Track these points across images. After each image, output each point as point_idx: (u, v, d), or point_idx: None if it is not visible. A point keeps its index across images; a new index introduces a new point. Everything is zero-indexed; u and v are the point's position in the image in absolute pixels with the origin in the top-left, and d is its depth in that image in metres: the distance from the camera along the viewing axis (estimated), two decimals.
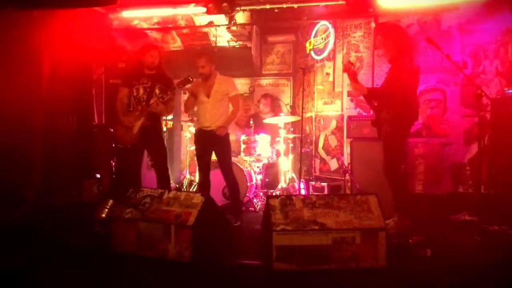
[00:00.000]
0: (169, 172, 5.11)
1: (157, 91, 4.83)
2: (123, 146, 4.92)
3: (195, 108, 5.20)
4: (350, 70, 4.46)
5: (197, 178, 6.40)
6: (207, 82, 4.99)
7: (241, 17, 6.70)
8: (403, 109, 4.19)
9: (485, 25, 5.42)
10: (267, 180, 6.67)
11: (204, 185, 5.15)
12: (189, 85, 4.90)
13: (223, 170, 5.13)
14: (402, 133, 4.32)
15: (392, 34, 4.43)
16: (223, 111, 5.08)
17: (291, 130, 7.00)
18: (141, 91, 4.83)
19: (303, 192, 6.04)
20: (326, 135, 6.93)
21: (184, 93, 6.85)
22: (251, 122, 6.48)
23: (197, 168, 5.32)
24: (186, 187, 6.50)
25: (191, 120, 6.60)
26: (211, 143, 5.06)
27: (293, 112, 7.65)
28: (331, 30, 6.55)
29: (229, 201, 5.73)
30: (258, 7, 6.21)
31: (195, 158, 5.30)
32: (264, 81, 8.16)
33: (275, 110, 7.47)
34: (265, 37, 8.04)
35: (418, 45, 5.82)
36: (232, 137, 5.69)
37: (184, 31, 7.39)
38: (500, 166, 4.81)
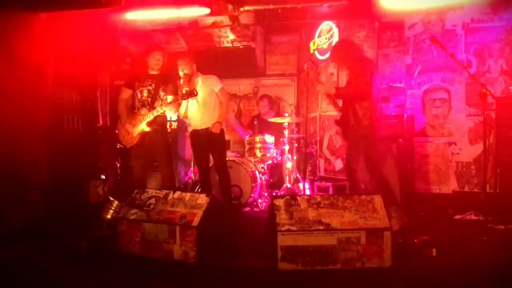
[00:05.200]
0: (174, 173, 5.12)
1: (161, 93, 4.84)
2: (123, 146, 4.96)
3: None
4: (313, 69, 4.99)
5: None
6: (191, 83, 5.00)
7: (245, 17, 6.70)
8: (371, 107, 4.48)
9: (490, 24, 5.40)
10: (271, 180, 6.67)
11: (206, 187, 5.17)
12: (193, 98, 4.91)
13: (218, 168, 5.17)
14: (375, 130, 4.55)
15: (345, 50, 4.78)
16: (214, 107, 5.10)
17: (296, 130, 7.00)
18: (145, 93, 4.84)
19: (308, 192, 6.04)
20: (330, 135, 6.93)
21: None
22: (255, 122, 6.48)
23: (198, 170, 5.35)
24: (190, 188, 6.50)
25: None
26: (207, 142, 5.08)
27: (297, 113, 7.65)
28: (335, 30, 6.55)
29: (236, 202, 5.76)
30: (262, 7, 6.21)
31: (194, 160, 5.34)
32: (268, 82, 8.16)
33: (278, 110, 7.46)
34: (269, 37, 8.03)
35: (422, 44, 5.82)
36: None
37: (188, 32, 7.41)
38: (505, 165, 4.79)
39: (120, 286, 3.11)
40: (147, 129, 4.80)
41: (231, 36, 7.52)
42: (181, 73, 4.99)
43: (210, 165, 5.39)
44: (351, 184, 4.65)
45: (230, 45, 7.78)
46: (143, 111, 4.80)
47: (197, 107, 5.04)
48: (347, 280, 3.10)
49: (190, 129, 5.27)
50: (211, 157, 5.29)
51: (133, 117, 4.83)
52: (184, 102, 4.94)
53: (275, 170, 6.74)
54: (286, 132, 6.21)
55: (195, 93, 4.75)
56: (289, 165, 6.23)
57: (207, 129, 5.04)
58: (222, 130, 5.14)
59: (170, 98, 4.80)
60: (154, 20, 6.69)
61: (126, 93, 4.92)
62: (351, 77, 4.68)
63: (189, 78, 4.98)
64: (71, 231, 4.23)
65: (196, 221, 3.45)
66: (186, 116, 5.20)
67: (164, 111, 4.85)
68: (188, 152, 7.45)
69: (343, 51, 4.80)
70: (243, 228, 4.78)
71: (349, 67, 4.79)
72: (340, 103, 4.86)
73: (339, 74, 6.70)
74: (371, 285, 3.08)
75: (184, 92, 4.80)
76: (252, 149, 6.23)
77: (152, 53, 4.86)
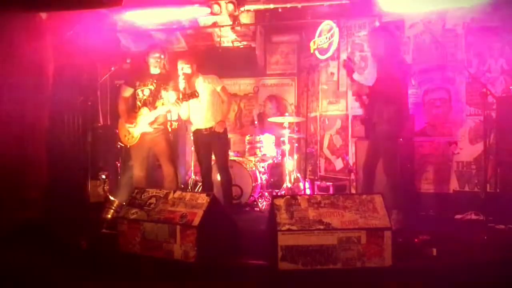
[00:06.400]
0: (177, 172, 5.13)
1: (162, 92, 4.84)
2: (124, 145, 4.96)
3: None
4: (349, 66, 4.60)
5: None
6: (191, 83, 5.00)
7: (245, 17, 6.70)
8: (399, 111, 4.31)
9: (491, 23, 5.39)
10: (272, 180, 6.67)
11: (208, 187, 5.17)
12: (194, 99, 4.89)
13: (220, 166, 5.18)
14: (400, 131, 4.43)
15: (381, 35, 4.50)
16: (217, 106, 5.11)
17: (296, 130, 7.00)
18: (147, 92, 4.85)
19: (308, 192, 6.03)
20: (331, 134, 6.93)
21: None
22: (256, 122, 6.48)
23: (200, 170, 5.35)
24: (191, 188, 6.51)
25: None
26: (210, 141, 5.09)
27: (297, 112, 7.65)
28: (335, 29, 6.54)
29: (236, 201, 5.76)
30: (262, 7, 6.21)
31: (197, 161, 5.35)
32: (269, 81, 8.16)
33: (281, 111, 7.46)
34: (269, 37, 8.03)
35: (423, 44, 5.82)
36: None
37: (188, 31, 7.40)
38: (506, 164, 4.78)
39: (120, 286, 3.11)
40: (149, 129, 4.80)
41: (232, 36, 7.50)
42: (180, 73, 4.99)
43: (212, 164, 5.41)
44: (366, 186, 4.51)
45: (230, 44, 7.76)
46: (145, 110, 4.80)
47: (200, 107, 5.05)
48: (347, 280, 3.10)
49: (192, 128, 5.27)
50: (213, 156, 5.29)
51: (134, 117, 4.83)
52: (185, 103, 4.93)
53: (276, 170, 6.74)
54: (286, 132, 6.21)
55: (197, 95, 4.74)
56: (289, 164, 6.23)
57: (210, 128, 5.05)
58: (225, 129, 5.15)
59: (172, 96, 4.80)
60: (154, 19, 6.68)
61: (127, 92, 4.92)
62: (381, 76, 4.44)
63: (189, 78, 4.98)
64: (71, 231, 4.23)
65: (196, 221, 3.45)
66: (188, 117, 5.20)
67: (166, 111, 4.86)
68: (188, 151, 7.45)
69: (378, 40, 4.48)
70: (243, 228, 4.77)
71: (380, 60, 4.51)
72: (366, 100, 4.64)
73: (339, 74, 6.70)
74: (372, 284, 3.08)
75: (185, 93, 4.78)
76: (252, 149, 6.24)
77: (151, 53, 4.85)
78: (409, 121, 4.73)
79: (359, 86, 4.54)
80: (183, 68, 4.98)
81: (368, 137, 4.60)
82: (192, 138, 6.21)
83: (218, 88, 5.10)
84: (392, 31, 4.93)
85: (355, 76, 4.67)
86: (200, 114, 5.07)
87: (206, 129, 5.08)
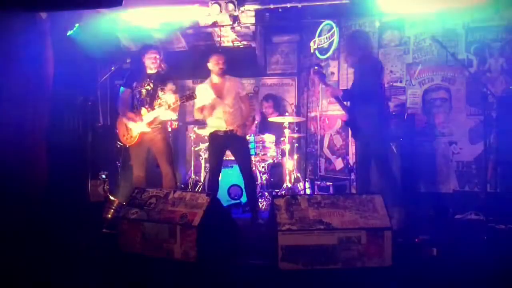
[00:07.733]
0: (175, 172, 5.12)
1: (160, 93, 4.84)
2: (123, 145, 4.97)
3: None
4: (320, 73, 4.95)
5: (202, 178, 6.42)
6: (217, 83, 4.98)
7: (245, 17, 6.69)
8: (378, 107, 4.45)
9: (491, 23, 5.39)
10: (272, 180, 6.66)
11: (214, 187, 5.14)
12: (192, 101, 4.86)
13: (245, 170, 5.10)
14: (384, 130, 4.55)
15: (354, 40, 4.77)
16: (240, 111, 5.06)
17: (296, 130, 7.00)
18: (144, 93, 4.85)
19: (308, 191, 6.04)
20: (331, 134, 6.93)
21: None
22: (256, 121, 6.48)
23: (209, 170, 5.30)
24: (191, 188, 6.50)
25: (196, 122, 6.50)
26: (228, 144, 5.04)
27: (298, 112, 7.65)
28: (336, 29, 6.54)
29: (235, 201, 5.75)
30: (262, 7, 6.21)
31: (208, 161, 5.34)
32: (269, 81, 8.15)
33: (280, 110, 7.46)
34: (270, 37, 8.03)
35: (423, 44, 5.82)
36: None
37: (188, 31, 7.40)
38: (506, 164, 4.79)
39: (120, 286, 3.11)
40: (147, 129, 4.80)
41: (232, 36, 7.50)
42: (216, 68, 4.94)
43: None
44: (362, 186, 4.59)
45: (230, 44, 7.76)
46: (142, 111, 4.80)
47: (224, 108, 4.98)
48: (347, 280, 3.10)
49: (209, 130, 5.18)
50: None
51: (132, 117, 4.83)
52: (207, 104, 4.89)
53: (276, 170, 6.74)
54: (286, 132, 6.21)
55: (194, 96, 4.72)
56: (289, 164, 6.23)
57: (231, 130, 4.98)
58: (245, 133, 5.14)
59: (170, 99, 4.79)
60: (155, 19, 6.68)
61: (125, 93, 4.93)
62: (356, 76, 4.64)
63: (223, 73, 4.96)
64: (71, 231, 4.23)
65: (196, 221, 3.45)
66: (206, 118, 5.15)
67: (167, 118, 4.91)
68: (188, 151, 7.45)
69: (351, 44, 4.77)
70: (243, 228, 4.77)
71: (354, 63, 4.69)
72: (347, 103, 4.81)
73: (339, 74, 6.70)
74: (372, 284, 3.08)
75: (184, 94, 4.77)
76: (252, 149, 6.23)
77: (147, 53, 4.86)
78: (392, 120, 5.00)
79: (333, 89, 4.92)
80: (220, 64, 4.92)
81: (356, 138, 4.73)
82: (192, 137, 6.22)
83: (242, 93, 5.07)
84: (367, 35, 5.15)
85: (327, 80, 4.90)
86: (223, 114, 5.00)
87: (225, 131, 5.01)
